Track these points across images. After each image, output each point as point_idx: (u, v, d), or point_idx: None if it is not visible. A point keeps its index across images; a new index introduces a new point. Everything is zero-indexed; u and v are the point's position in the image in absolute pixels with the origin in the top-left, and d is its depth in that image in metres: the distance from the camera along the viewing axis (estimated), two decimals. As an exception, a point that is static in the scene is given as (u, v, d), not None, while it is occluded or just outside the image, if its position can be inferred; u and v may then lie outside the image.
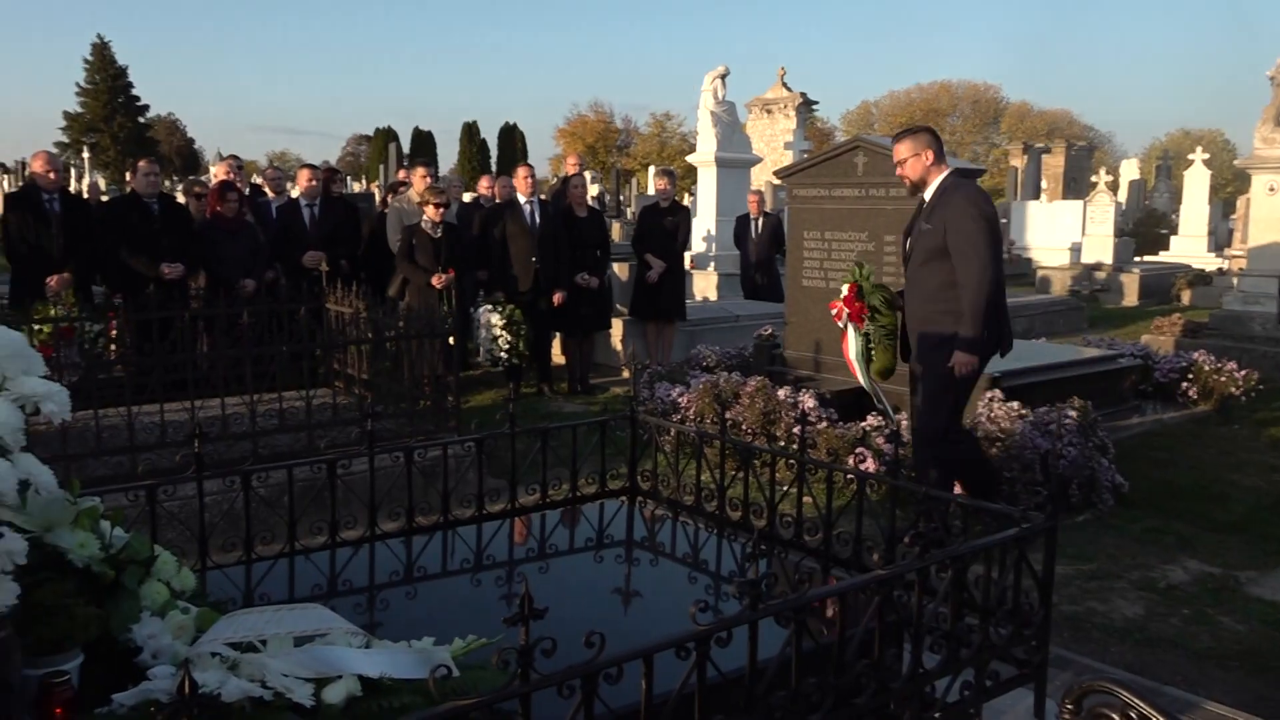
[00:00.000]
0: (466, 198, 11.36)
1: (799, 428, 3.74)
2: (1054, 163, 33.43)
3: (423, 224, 7.83)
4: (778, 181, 9.97)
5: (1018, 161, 31.39)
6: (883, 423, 5.85)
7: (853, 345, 5.05)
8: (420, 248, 7.75)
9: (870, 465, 5.47)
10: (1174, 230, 23.08)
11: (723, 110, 13.83)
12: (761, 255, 11.63)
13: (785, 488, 3.72)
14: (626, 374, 8.96)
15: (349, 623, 2.15)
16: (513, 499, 3.90)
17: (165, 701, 1.78)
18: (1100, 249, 19.75)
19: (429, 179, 8.50)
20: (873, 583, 2.37)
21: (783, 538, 3.67)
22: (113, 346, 6.10)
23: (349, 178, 29.30)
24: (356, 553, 3.43)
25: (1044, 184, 31.13)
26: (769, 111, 27.87)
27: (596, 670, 1.87)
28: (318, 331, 6.10)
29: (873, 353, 5.01)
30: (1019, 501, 4.95)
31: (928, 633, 2.53)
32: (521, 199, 8.35)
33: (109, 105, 61.35)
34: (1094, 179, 22.90)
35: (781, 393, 6.24)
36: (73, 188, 21.34)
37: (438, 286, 7.55)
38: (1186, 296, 16.93)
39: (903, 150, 4.93)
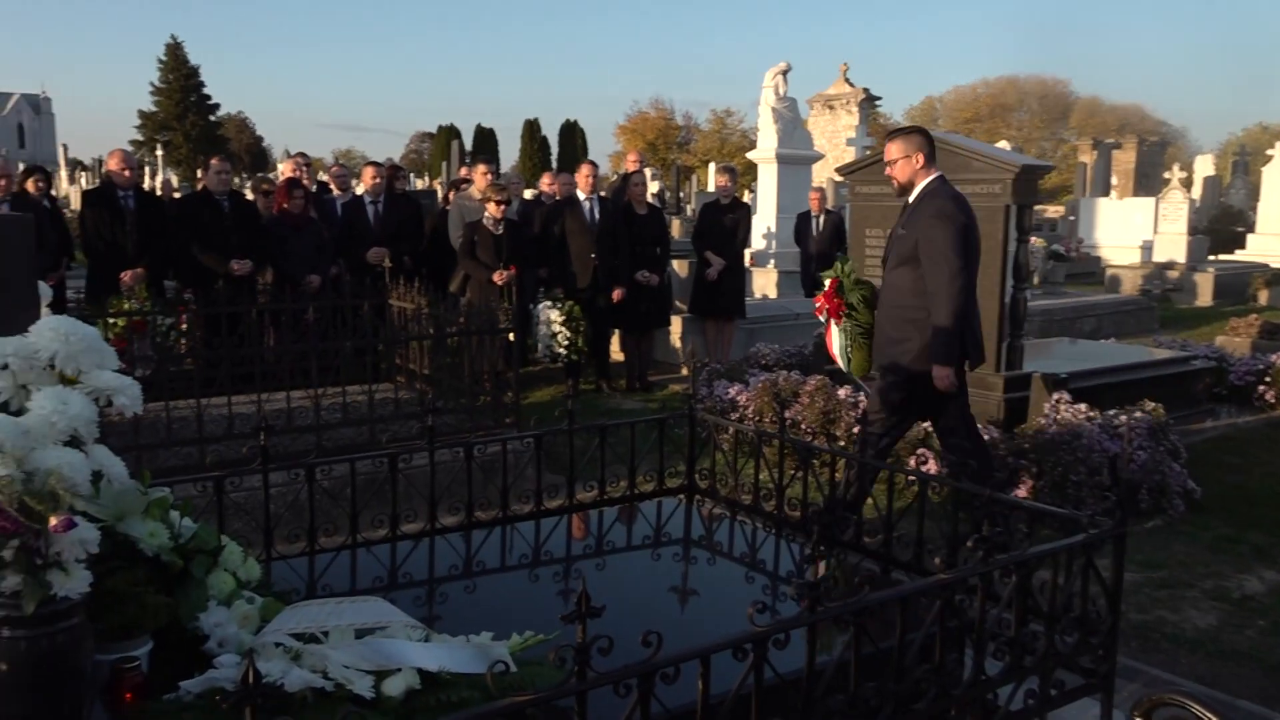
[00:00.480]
0: (528, 195, 11.43)
1: (859, 428, 3.70)
2: (1125, 159, 32.65)
3: (484, 221, 7.90)
4: (839, 178, 9.88)
5: (1087, 158, 30.70)
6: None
7: (836, 340, 5.08)
8: (482, 244, 7.81)
9: (932, 466, 5.39)
10: (1251, 228, 22.37)
11: (784, 106, 13.73)
12: (823, 252, 11.53)
13: (848, 487, 3.69)
14: (685, 371, 8.94)
15: (408, 616, 2.17)
16: (570, 495, 3.91)
17: (230, 690, 1.82)
18: (1173, 247, 19.23)
19: (490, 176, 8.56)
20: (934, 587, 2.33)
21: (842, 539, 3.63)
22: (183, 340, 6.25)
23: (412, 175, 29.68)
24: (416, 546, 3.47)
25: (1114, 180, 30.40)
26: (831, 107, 27.60)
27: (653, 669, 1.86)
28: (380, 327, 6.18)
29: (850, 351, 5.02)
30: (1085, 506, 4.84)
31: (990, 639, 2.48)
32: (581, 196, 8.37)
33: (181, 104, 62.97)
34: (1166, 175, 22.26)
35: (842, 392, 6.18)
36: (146, 185, 21.91)
37: (499, 283, 7.61)
38: (1264, 296, 16.40)
39: (894, 150, 4.83)
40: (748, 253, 12.43)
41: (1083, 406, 5.73)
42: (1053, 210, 29.72)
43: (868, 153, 16.63)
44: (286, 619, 2.04)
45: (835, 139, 25.80)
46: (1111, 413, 5.74)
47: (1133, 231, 21.97)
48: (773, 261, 13.41)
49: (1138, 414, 5.71)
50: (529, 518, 3.81)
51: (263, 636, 1.99)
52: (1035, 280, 14.15)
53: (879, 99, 27.49)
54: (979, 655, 2.42)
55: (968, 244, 4.65)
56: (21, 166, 10.56)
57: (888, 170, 4.89)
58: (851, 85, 27.27)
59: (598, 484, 3.99)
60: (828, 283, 5.07)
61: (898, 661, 2.27)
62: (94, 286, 7.20)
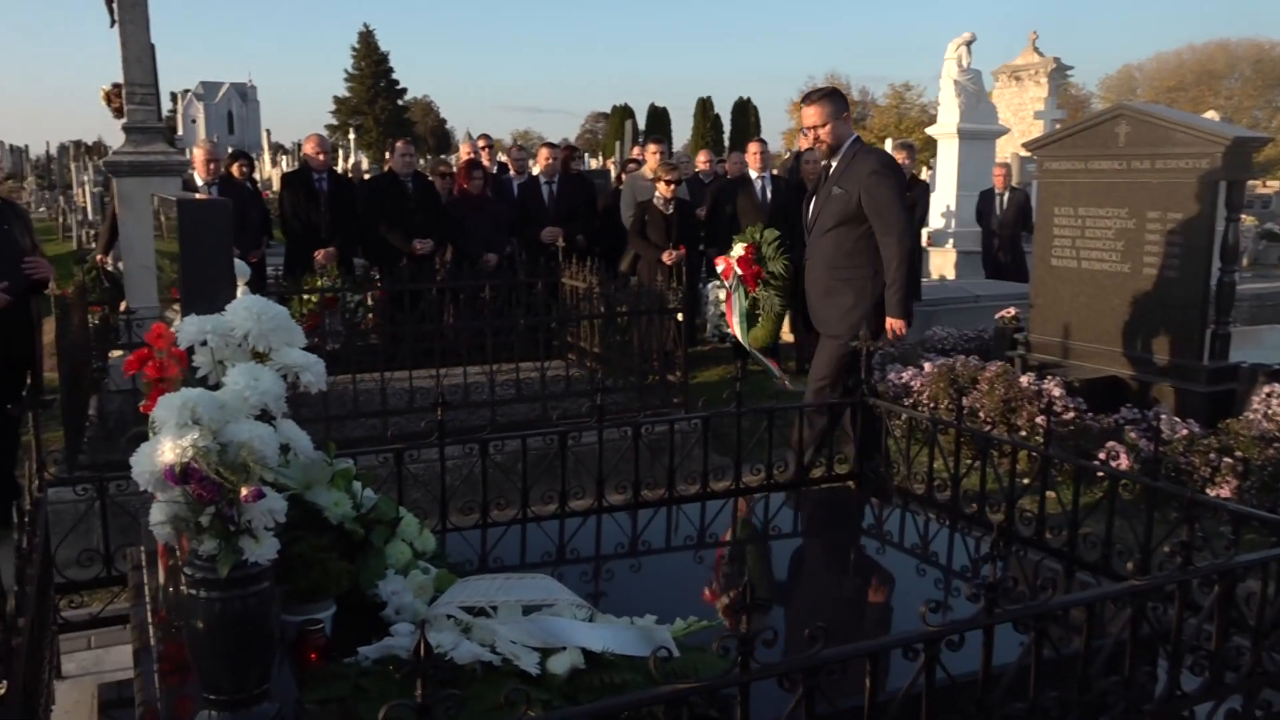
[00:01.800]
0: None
1: (1043, 418, 3.51)
2: (1353, 128, 29.69)
3: (654, 200, 7.92)
4: (1026, 153, 9.38)
5: (1308, 128, 28.07)
6: (1138, 416, 5.40)
7: (737, 308, 4.86)
8: (652, 224, 7.84)
9: (1123, 462, 5.06)
10: None
11: (967, 79, 13.16)
12: (1006, 232, 11.01)
13: (1026, 481, 3.51)
14: (856, 354, 8.71)
15: (575, 595, 2.19)
16: (737, 478, 3.88)
17: (404, 658, 1.89)
18: (1407, 225, 17.39)
19: (661, 155, 8.58)
20: (1126, 593, 2.17)
21: (1022, 535, 3.46)
22: (370, 316, 6.56)
23: (586, 155, 30.14)
24: (584, 523, 3.51)
25: (1339, 152, 27.71)
26: (1018, 79, 26.25)
27: (819, 665, 1.81)
28: (553, 305, 6.30)
29: (759, 319, 4.81)
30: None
31: (1188, 651, 2.30)
32: (753, 174, 8.27)
33: (372, 89, 66.17)
34: (1401, 146, 20.12)
35: (1024, 379, 5.88)
36: (340, 167, 23.12)
37: (668, 263, 7.62)
38: None
39: (823, 113, 4.75)
40: (925, 232, 12.01)
41: (1299, 401, 5.25)
42: (1266, 186, 27.39)
43: (1057, 126, 15.76)
44: (457, 592, 2.09)
45: (1022, 112, 24.53)
46: (1333, 408, 5.24)
47: (1360, 208, 19.99)
48: (951, 241, 12.91)
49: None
50: (694, 499, 3.80)
51: (435, 608, 2.05)
52: (1245, 262, 13.09)
53: (1070, 69, 25.89)
54: (1174, 669, 2.25)
55: (906, 201, 4.83)
56: (230, 150, 11.30)
57: (816, 134, 4.82)
58: (1041, 55, 25.83)
59: (765, 468, 3.95)
60: (741, 248, 4.91)
61: (1083, 670, 2.14)
62: (291, 264, 7.65)
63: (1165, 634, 2.27)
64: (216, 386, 1.66)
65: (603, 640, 1.97)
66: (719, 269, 5.09)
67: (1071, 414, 5.57)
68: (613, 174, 12.63)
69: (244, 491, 1.51)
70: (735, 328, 4.99)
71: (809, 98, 4.89)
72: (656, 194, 7.93)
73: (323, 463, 2.46)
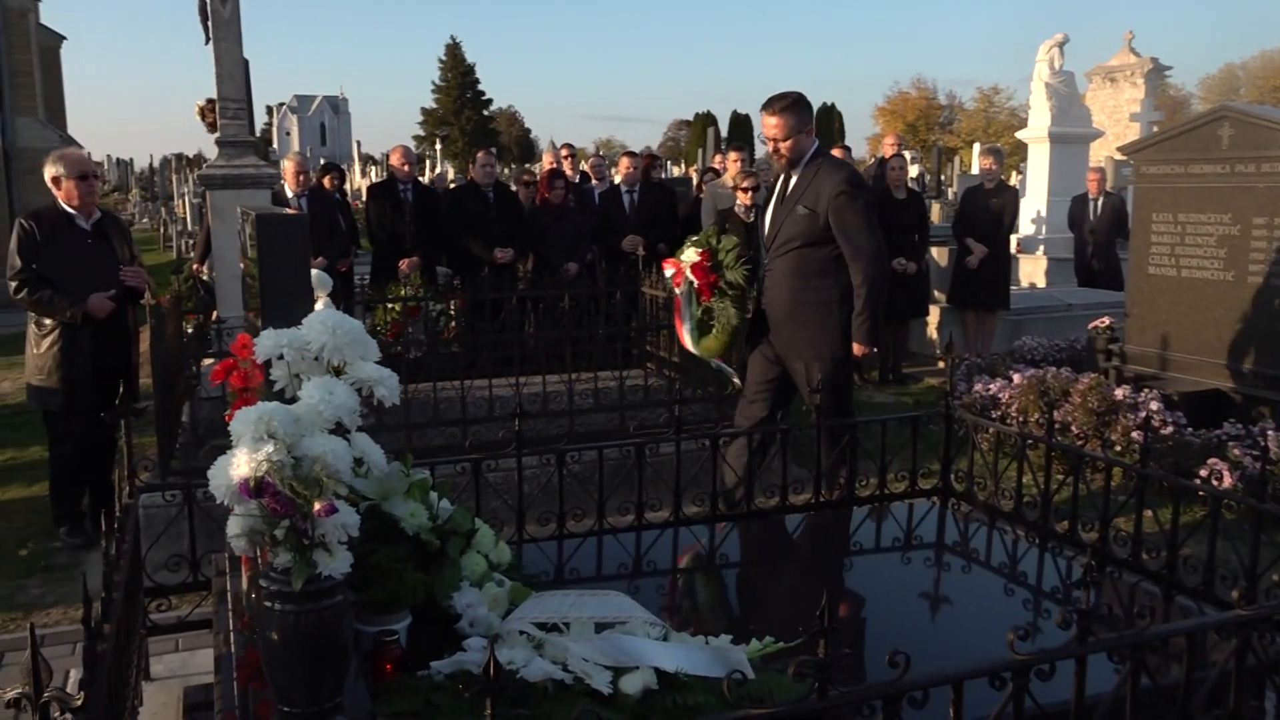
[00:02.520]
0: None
1: (1139, 433, 3.36)
2: None
3: (735, 209, 7.86)
4: (1121, 157, 9.08)
5: None
6: (1243, 432, 5.16)
7: (688, 316, 4.50)
8: (733, 232, 7.78)
9: (1226, 481, 4.83)
10: None
11: (1059, 81, 12.78)
12: (1100, 239, 10.66)
13: (1122, 499, 3.36)
14: (942, 365, 8.53)
15: (649, 613, 2.16)
16: (817, 493, 3.81)
17: (476, 674, 1.87)
18: None
19: (741, 163, 8.51)
20: (1232, 622, 2.05)
21: (1117, 556, 3.31)
22: (452, 325, 6.63)
23: (669, 162, 30.17)
24: (661, 535, 3.48)
25: None
26: (1112, 80, 25.48)
27: (900, 692, 1.74)
28: (633, 314, 6.29)
29: (714, 329, 4.46)
30: None
31: (1300, 686, 2.16)
32: (836, 182, 8.15)
33: (458, 100, 67.37)
34: None
35: (1119, 392, 5.66)
36: (426, 177, 23.56)
37: (749, 271, 7.55)
38: None
39: (786, 125, 4.38)
40: (1014, 239, 11.70)
41: None
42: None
43: (1155, 129, 15.23)
44: (530, 607, 2.08)
45: (1117, 114, 23.80)
46: None
47: None
48: (1042, 248, 12.55)
49: None
50: (774, 513, 3.74)
51: (508, 623, 2.03)
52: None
53: (1169, 69, 25.04)
54: (1284, 705, 2.12)
55: (874, 219, 4.50)
56: (322, 162, 11.58)
57: (778, 146, 4.45)
58: (1137, 55, 25.04)
59: (845, 482, 3.86)
60: (695, 253, 4.52)
61: (1184, 703, 2.02)
62: (376, 273, 7.80)
63: (1275, 665, 2.14)
64: (293, 401, 1.67)
65: (676, 660, 1.93)
66: (668, 273, 4.77)
67: (1170, 429, 5.35)
68: (694, 182, 12.55)
69: (317, 506, 1.52)
70: (684, 336, 4.70)
71: (770, 105, 4.44)
72: (737, 202, 7.87)
73: (399, 473, 2.47)
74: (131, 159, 41.18)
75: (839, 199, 4.40)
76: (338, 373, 1.74)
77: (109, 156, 43.23)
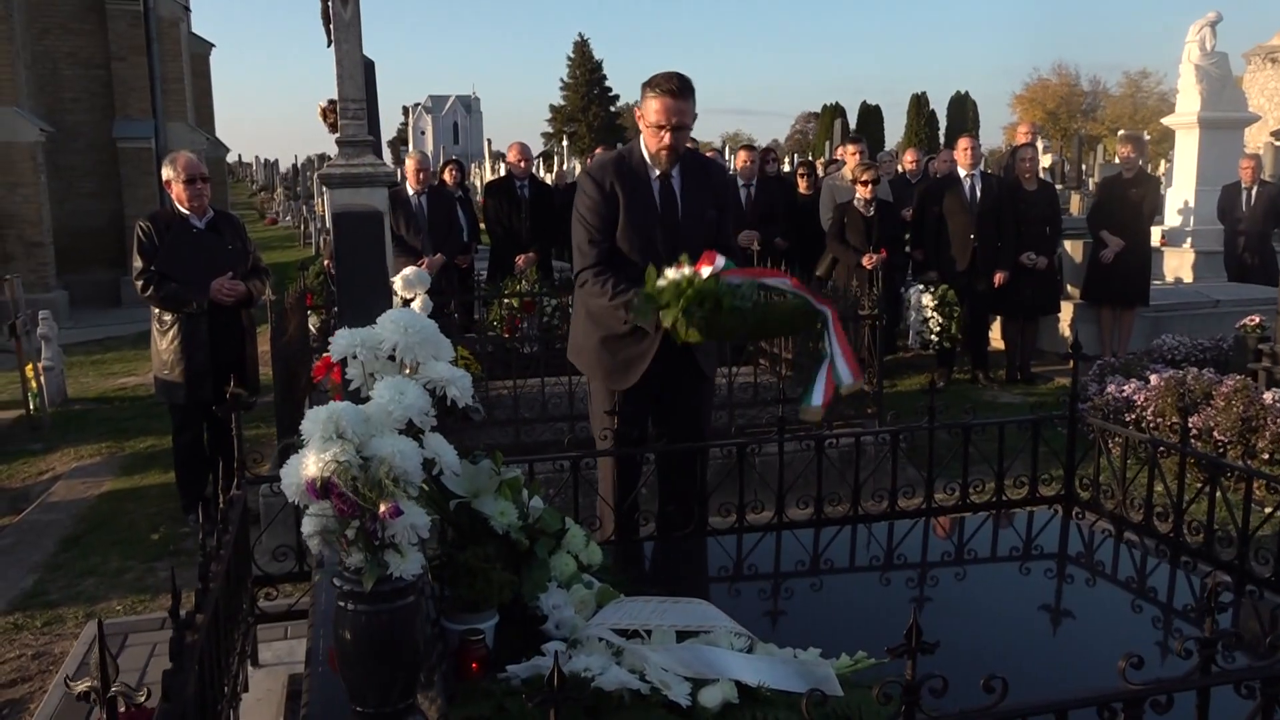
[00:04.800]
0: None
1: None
2: None
3: (855, 202, 7.67)
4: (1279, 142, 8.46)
5: None
6: None
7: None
8: (851, 226, 7.59)
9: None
10: None
11: (1210, 63, 12.02)
12: (1254, 230, 9.97)
13: (1267, 511, 3.10)
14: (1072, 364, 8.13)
15: (734, 623, 2.09)
16: (929, 497, 3.66)
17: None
18: None
19: (860, 156, 8.29)
20: (1381, 658, 1.84)
21: (1258, 575, 3.06)
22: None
23: (795, 155, 29.76)
24: (763, 538, 3.39)
25: None
26: (1274, 61, 23.89)
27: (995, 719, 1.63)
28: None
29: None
30: None
31: None
32: (962, 173, 7.86)
33: (585, 97, 68.15)
34: None
35: (1268, 396, 5.26)
36: (554, 174, 23.87)
37: (868, 266, 7.35)
38: None
39: (690, 111, 3.50)
40: (1158, 230, 11.07)
41: None
42: None
43: (1319, 111, 14.18)
44: (611, 612, 2.04)
45: (1278, 98, 22.32)
46: None
47: None
48: (1189, 240, 11.83)
49: None
50: (882, 518, 3.60)
51: (588, 628, 1.99)
52: None
53: (1337, 47, 23.37)
54: None
55: None
56: (446, 158, 11.84)
57: (675, 136, 3.49)
58: (1301, 33, 23.40)
59: (960, 487, 3.69)
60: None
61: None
62: (494, 268, 7.91)
63: None
64: (366, 401, 1.66)
65: (759, 674, 1.86)
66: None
67: (1325, 436, 4.94)
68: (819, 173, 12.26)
69: (381, 508, 1.50)
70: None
71: (685, 89, 3.48)
72: (856, 195, 7.67)
73: (489, 471, 2.46)
74: (277, 160, 43.10)
75: (733, 191, 3.90)
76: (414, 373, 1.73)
77: (257, 158, 45.36)
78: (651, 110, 3.45)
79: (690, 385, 3.77)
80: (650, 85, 3.46)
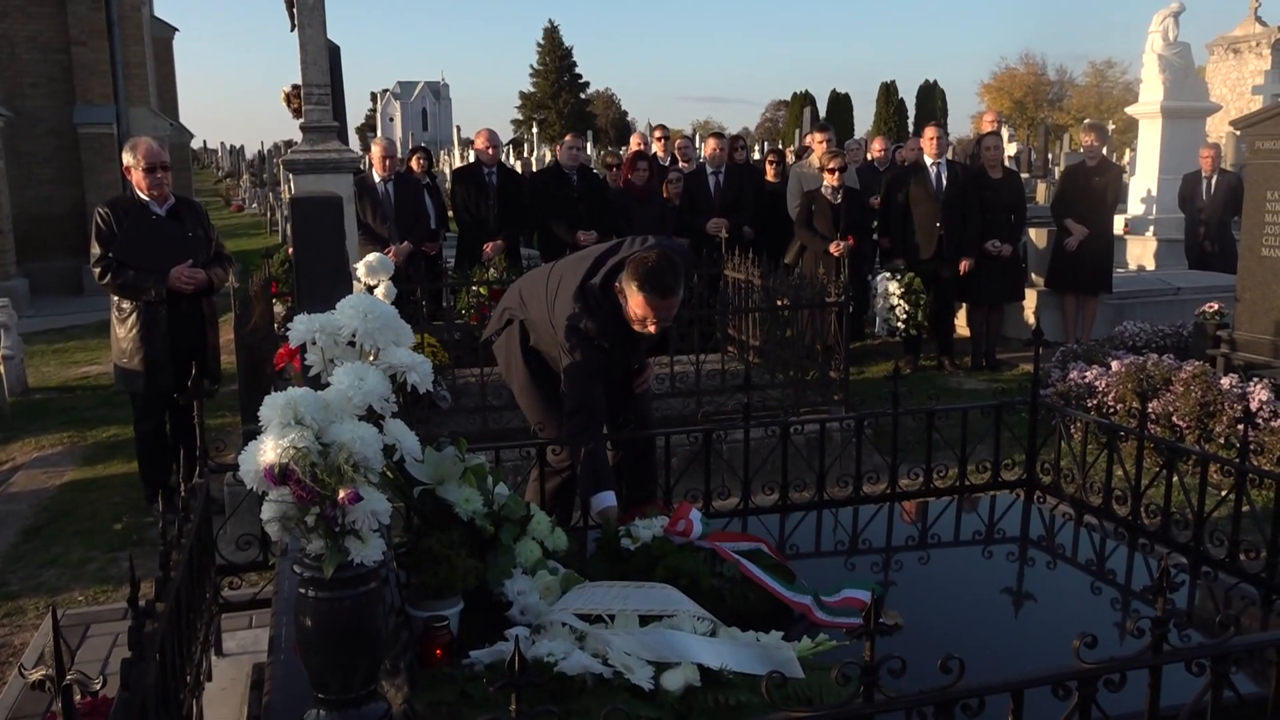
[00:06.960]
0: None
1: (1243, 426, 3.15)
2: None
3: (822, 190, 7.69)
4: (1240, 133, 8.58)
5: None
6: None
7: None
8: (819, 214, 7.62)
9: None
10: None
11: (1173, 53, 12.14)
12: (1214, 219, 10.12)
13: (1223, 494, 3.16)
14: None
15: (697, 606, 2.10)
16: (893, 483, 3.69)
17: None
18: None
19: (827, 144, 8.32)
20: (1327, 635, 1.89)
21: (1212, 556, 3.12)
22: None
23: (765, 143, 29.75)
24: (729, 524, 3.41)
25: None
26: (1235, 51, 24.23)
27: (953, 699, 1.65)
28: (712, 298, 6.20)
29: None
30: None
31: None
32: (928, 161, 7.91)
33: (556, 84, 67.81)
34: None
35: (1226, 381, 5.35)
36: (523, 161, 23.76)
37: (835, 254, 7.39)
38: None
39: (678, 303, 3.45)
40: (1121, 219, 11.19)
41: None
42: None
43: (1277, 100, 14.35)
44: (575, 598, 2.04)
45: (1239, 88, 22.62)
46: None
47: None
48: (1152, 229, 11.97)
49: None
50: (847, 503, 3.64)
51: (550, 614, 2.00)
52: None
53: (1297, 38, 23.70)
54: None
55: None
56: (413, 146, 11.75)
57: (663, 325, 3.44)
58: (1263, 24, 23.74)
59: (924, 472, 3.73)
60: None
61: (1272, 717, 1.88)
62: (461, 256, 7.86)
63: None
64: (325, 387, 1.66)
65: (721, 657, 1.88)
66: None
67: (1279, 421, 5.04)
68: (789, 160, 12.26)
69: (341, 494, 1.50)
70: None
71: (673, 287, 3.33)
72: (824, 183, 7.69)
73: (454, 458, 2.46)
74: (243, 146, 42.51)
75: None
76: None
77: (222, 144, 44.73)
78: (637, 304, 3.29)
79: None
80: (640, 281, 3.25)
